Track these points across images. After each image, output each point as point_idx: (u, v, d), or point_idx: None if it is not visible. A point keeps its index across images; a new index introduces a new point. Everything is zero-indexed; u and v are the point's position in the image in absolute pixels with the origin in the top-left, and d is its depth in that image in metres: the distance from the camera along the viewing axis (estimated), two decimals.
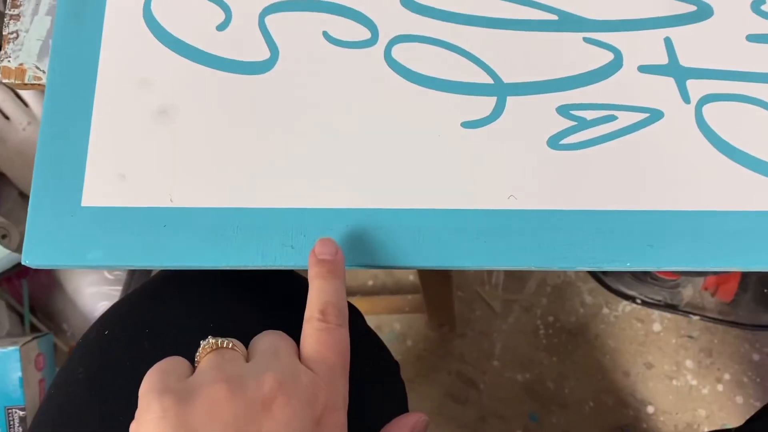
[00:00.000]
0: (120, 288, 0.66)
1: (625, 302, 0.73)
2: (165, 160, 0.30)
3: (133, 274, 0.66)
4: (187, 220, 0.29)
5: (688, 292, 0.71)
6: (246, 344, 0.27)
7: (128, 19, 0.31)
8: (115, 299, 0.66)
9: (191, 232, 0.29)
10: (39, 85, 0.33)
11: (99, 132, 0.30)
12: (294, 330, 0.28)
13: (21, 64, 0.33)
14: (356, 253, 0.29)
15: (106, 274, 0.67)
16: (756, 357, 0.71)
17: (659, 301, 0.71)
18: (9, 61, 0.33)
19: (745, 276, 0.66)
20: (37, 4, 0.34)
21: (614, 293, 0.73)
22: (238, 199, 0.29)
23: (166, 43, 0.31)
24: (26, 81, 0.33)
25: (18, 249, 0.56)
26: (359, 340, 0.35)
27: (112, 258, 0.29)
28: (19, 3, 0.33)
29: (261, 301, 0.35)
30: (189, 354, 0.28)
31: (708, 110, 0.30)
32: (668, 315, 0.72)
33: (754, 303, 0.68)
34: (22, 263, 0.29)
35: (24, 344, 0.55)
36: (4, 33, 0.33)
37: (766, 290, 0.65)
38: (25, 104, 0.61)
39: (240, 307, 0.35)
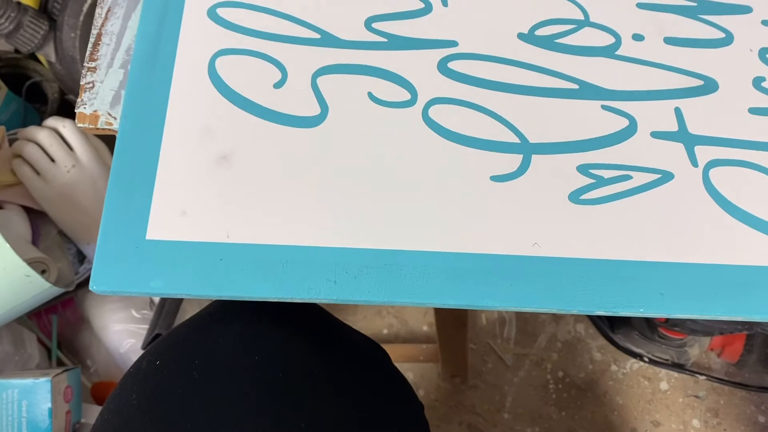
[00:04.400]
0: (146, 327, 0.68)
1: (633, 360, 0.75)
2: (223, 200, 0.33)
3: (159, 313, 0.68)
4: (241, 255, 0.32)
5: (694, 352, 0.73)
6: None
7: (195, 74, 0.35)
8: (141, 337, 0.69)
9: (245, 266, 0.32)
10: (111, 130, 0.36)
11: (165, 173, 0.34)
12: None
13: (95, 111, 0.36)
14: (393, 290, 0.32)
15: (133, 312, 0.70)
16: (762, 419, 0.73)
17: (666, 360, 0.73)
18: (85, 107, 0.36)
19: (750, 338, 0.68)
20: (112, 58, 0.37)
21: (622, 351, 0.74)
22: (288, 237, 0.32)
23: (228, 97, 0.35)
24: (99, 126, 0.36)
25: (56, 283, 0.59)
26: (388, 379, 0.37)
27: (172, 287, 0.32)
28: (96, 57, 0.37)
29: (299, 334, 0.38)
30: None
31: (714, 174, 0.34)
32: (675, 374, 0.74)
33: (760, 365, 0.69)
34: (90, 289, 0.32)
35: (55, 376, 0.57)
36: (81, 83, 0.37)
37: None
38: (71, 148, 0.65)
39: (281, 340, 0.37)
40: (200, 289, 0.32)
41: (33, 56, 0.79)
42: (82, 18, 0.68)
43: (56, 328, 0.70)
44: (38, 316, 0.71)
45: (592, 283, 0.32)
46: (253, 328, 0.36)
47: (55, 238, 0.66)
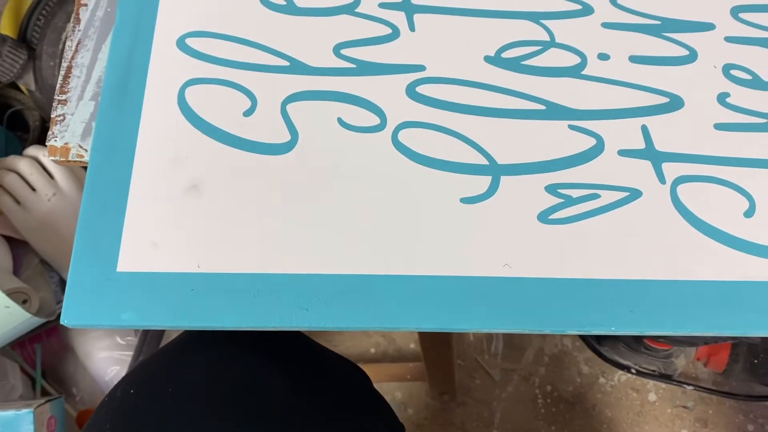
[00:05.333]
0: (131, 353, 0.68)
1: (620, 372, 0.75)
2: (194, 230, 0.33)
3: (144, 339, 0.68)
4: (212, 285, 0.32)
5: (681, 362, 0.73)
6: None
7: (165, 104, 0.35)
8: (126, 364, 0.68)
9: (216, 295, 0.32)
10: (82, 162, 0.36)
11: (135, 204, 0.34)
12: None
13: (66, 143, 0.37)
14: (366, 315, 0.32)
15: (118, 339, 0.70)
16: (751, 428, 0.73)
17: (653, 371, 0.73)
18: (56, 140, 0.36)
19: (735, 347, 0.69)
20: (83, 91, 0.38)
21: (610, 363, 0.74)
22: (259, 265, 0.32)
23: (198, 126, 0.35)
24: (70, 158, 0.36)
25: (38, 313, 0.58)
26: (366, 401, 0.37)
27: (144, 319, 0.32)
28: (66, 90, 0.37)
29: (272, 359, 0.38)
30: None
31: (681, 190, 0.34)
32: (663, 385, 0.74)
33: (746, 373, 0.69)
34: (61, 323, 0.32)
35: (37, 407, 0.57)
36: (52, 116, 0.37)
37: (756, 361, 0.68)
38: (51, 176, 0.65)
39: (255, 365, 0.37)
40: (172, 320, 0.32)
41: (13, 85, 0.79)
42: (60, 46, 0.68)
43: (40, 358, 0.70)
44: (22, 346, 0.71)
45: (562, 303, 0.32)
46: (227, 355, 0.36)
47: (37, 267, 0.66)
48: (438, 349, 0.64)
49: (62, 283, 0.69)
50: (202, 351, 0.37)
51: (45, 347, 0.71)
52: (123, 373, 0.68)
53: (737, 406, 0.73)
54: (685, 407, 0.73)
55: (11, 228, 0.65)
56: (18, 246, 0.66)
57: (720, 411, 0.73)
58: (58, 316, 0.65)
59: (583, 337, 0.77)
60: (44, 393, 0.70)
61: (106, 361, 0.69)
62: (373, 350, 0.78)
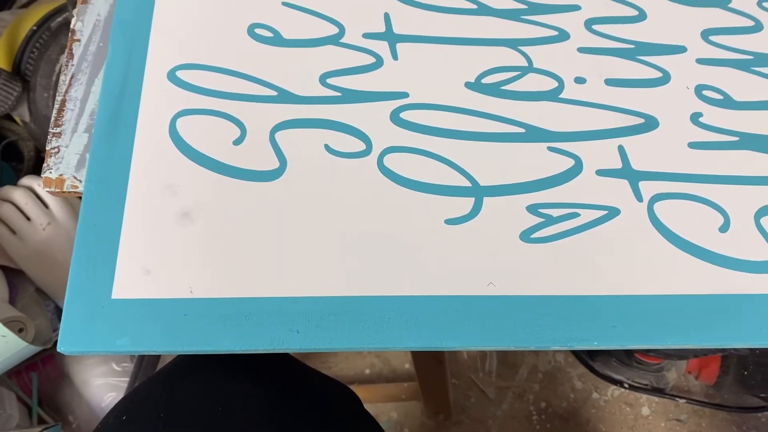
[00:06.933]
0: (127, 379, 0.68)
1: (613, 387, 0.76)
2: (186, 257, 0.34)
3: (140, 365, 0.68)
4: (205, 310, 0.33)
5: (672, 376, 0.74)
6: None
7: (156, 135, 0.36)
8: (122, 390, 0.69)
9: (209, 320, 0.33)
10: (76, 192, 0.37)
11: (129, 233, 0.34)
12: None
13: (61, 175, 0.37)
14: (354, 336, 0.33)
15: (114, 365, 0.70)
16: None
17: (646, 385, 0.74)
18: (51, 172, 0.37)
19: (725, 359, 0.69)
20: (77, 123, 0.39)
21: (603, 378, 0.75)
22: (250, 290, 0.33)
23: (189, 155, 0.36)
24: (65, 189, 0.37)
25: (34, 342, 0.59)
26: (357, 423, 0.38)
27: (138, 344, 0.32)
28: (60, 123, 0.38)
29: (263, 383, 0.38)
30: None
31: (658, 207, 0.35)
32: (656, 399, 0.75)
33: (737, 385, 0.70)
34: (58, 350, 0.33)
35: None
36: (47, 148, 0.38)
37: (746, 372, 0.68)
38: (46, 206, 0.66)
39: (245, 389, 0.38)
40: (166, 345, 0.32)
41: (8, 116, 0.80)
42: (54, 78, 0.69)
43: (36, 386, 0.70)
44: (18, 374, 0.71)
45: (546, 319, 0.33)
46: (219, 378, 0.37)
47: (33, 295, 0.66)
48: (431, 369, 0.64)
49: (58, 311, 0.69)
50: (192, 376, 0.37)
51: (41, 375, 0.71)
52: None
53: (730, 418, 0.74)
54: (678, 420, 0.74)
55: (7, 257, 0.66)
56: (13, 275, 0.66)
57: (713, 423, 0.74)
58: (55, 344, 0.66)
59: (575, 353, 0.78)
60: (41, 421, 0.70)
61: (103, 388, 0.69)
62: (368, 371, 0.79)
